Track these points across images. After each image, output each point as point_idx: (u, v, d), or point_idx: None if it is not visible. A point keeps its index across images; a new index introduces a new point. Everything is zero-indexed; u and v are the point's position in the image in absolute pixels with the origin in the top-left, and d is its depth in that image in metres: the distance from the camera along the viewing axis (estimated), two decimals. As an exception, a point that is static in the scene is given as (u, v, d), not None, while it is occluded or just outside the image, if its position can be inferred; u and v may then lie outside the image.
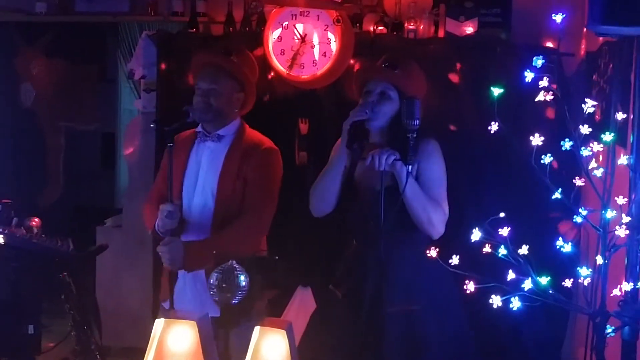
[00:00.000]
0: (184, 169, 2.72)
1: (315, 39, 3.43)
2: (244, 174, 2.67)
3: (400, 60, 2.61)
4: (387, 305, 2.38)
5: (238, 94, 2.76)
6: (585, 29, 3.51)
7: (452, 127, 3.50)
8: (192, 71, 2.83)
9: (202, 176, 2.70)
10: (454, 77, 3.59)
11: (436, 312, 2.52)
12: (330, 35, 3.40)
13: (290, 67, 3.47)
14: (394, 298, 2.44)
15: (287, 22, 3.46)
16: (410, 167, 2.34)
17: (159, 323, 2.04)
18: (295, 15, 3.45)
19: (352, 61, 3.52)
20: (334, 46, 3.39)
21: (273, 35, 3.48)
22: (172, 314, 2.13)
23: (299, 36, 3.45)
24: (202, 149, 2.74)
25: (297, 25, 3.46)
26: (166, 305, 2.72)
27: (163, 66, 3.90)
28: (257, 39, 3.58)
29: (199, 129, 2.76)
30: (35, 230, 2.95)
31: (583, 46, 3.61)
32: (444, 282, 2.51)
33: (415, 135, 2.32)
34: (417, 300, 2.50)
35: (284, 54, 3.48)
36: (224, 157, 2.69)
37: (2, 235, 2.84)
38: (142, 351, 2.06)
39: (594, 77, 3.25)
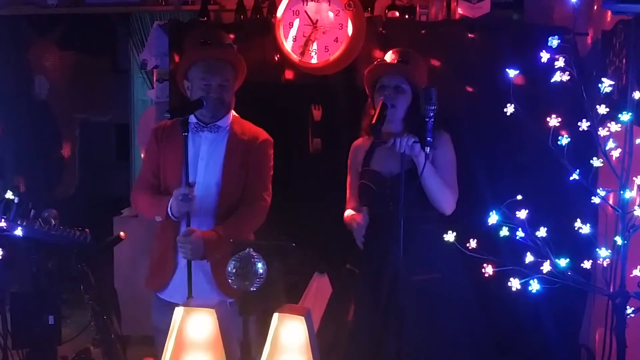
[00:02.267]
0: (181, 159, 2.67)
1: (327, 25, 3.42)
2: (246, 165, 2.71)
3: (410, 55, 2.79)
4: (410, 274, 2.57)
5: (235, 82, 2.79)
6: (595, 8, 3.46)
7: (467, 110, 3.48)
8: (187, 65, 2.73)
9: (202, 166, 2.71)
10: (467, 59, 3.56)
11: (452, 285, 2.72)
12: (342, 21, 3.38)
13: (302, 53, 3.46)
14: (416, 268, 2.63)
15: (298, 8, 3.45)
16: (428, 149, 2.54)
17: (179, 311, 2.06)
18: (307, 0, 3.43)
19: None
20: (345, 31, 3.37)
21: (284, 22, 3.47)
22: (191, 302, 2.14)
23: (310, 22, 3.43)
24: (197, 140, 2.73)
25: (308, 11, 3.44)
26: (162, 295, 2.75)
27: (175, 55, 3.91)
28: (269, 26, 3.57)
29: (192, 119, 2.73)
30: (53, 222, 2.96)
31: (598, 25, 3.56)
32: (459, 258, 2.59)
33: (432, 120, 2.50)
34: (436, 270, 2.70)
35: (295, 40, 3.47)
36: (224, 147, 2.72)
37: (20, 228, 2.86)
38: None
39: (609, 56, 3.21)
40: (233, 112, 2.82)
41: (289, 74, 3.70)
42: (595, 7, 3.47)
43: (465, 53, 3.55)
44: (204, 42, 2.72)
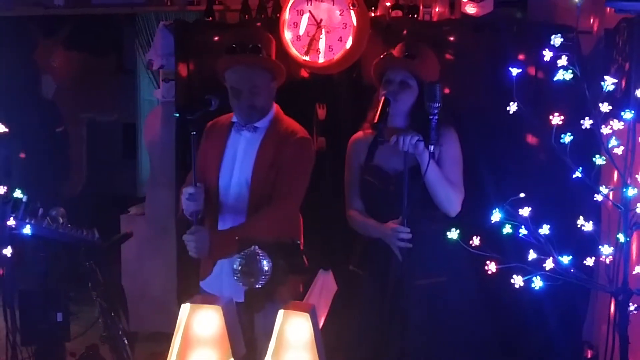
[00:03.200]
0: (220, 157, 2.73)
1: (331, 24, 3.43)
2: (278, 162, 2.67)
3: (418, 49, 2.71)
4: (414, 278, 2.52)
5: (272, 83, 2.74)
6: (598, 6, 3.47)
7: (470, 109, 3.49)
8: (221, 70, 2.71)
9: (238, 165, 2.71)
10: (470, 58, 3.57)
11: (457, 286, 2.66)
12: (346, 20, 3.40)
13: (307, 52, 3.48)
14: (420, 272, 2.57)
15: (302, 8, 3.47)
16: (432, 147, 2.46)
17: (185, 308, 2.08)
18: (311, 0, 3.45)
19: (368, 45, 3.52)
20: (349, 31, 3.39)
21: (289, 22, 3.48)
22: (197, 298, 2.17)
23: (314, 22, 3.45)
24: (237, 139, 2.74)
25: (312, 11, 3.46)
26: (204, 284, 2.78)
27: (181, 55, 3.93)
28: (273, 25, 3.58)
29: (234, 118, 2.75)
30: (61, 220, 2.99)
31: (601, 23, 3.57)
32: (462, 257, 2.57)
33: (437, 118, 2.42)
34: (441, 273, 2.64)
35: (300, 39, 3.48)
36: (258, 146, 2.69)
37: (29, 226, 2.89)
38: (169, 336, 2.10)
39: (612, 54, 3.21)
40: (277, 109, 2.78)
41: (293, 73, 3.72)
42: (598, 6, 3.48)
43: (468, 52, 3.56)
44: (229, 48, 2.67)
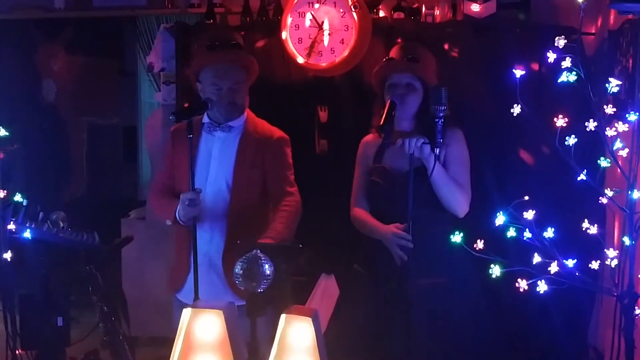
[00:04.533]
0: (193, 160, 2.68)
1: (333, 26, 3.42)
2: (259, 163, 2.69)
3: (419, 52, 2.72)
4: (416, 278, 2.50)
5: (248, 80, 2.76)
6: (602, 8, 3.45)
7: (473, 111, 3.48)
8: (197, 68, 2.72)
9: (215, 166, 2.71)
10: (473, 60, 3.56)
11: (459, 288, 2.66)
12: (348, 22, 3.39)
13: (308, 55, 3.47)
14: (422, 272, 2.57)
15: (304, 10, 3.45)
16: (437, 150, 2.47)
17: (186, 313, 2.07)
18: (313, 2, 3.44)
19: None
20: (351, 33, 3.38)
21: (290, 24, 3.47)
22: (199, 303, 2.15)
23: (316, 24, 3.44)
24: (210, 140, 2.73)
25: (314, 13, 3.45)
26: (179, 296, 2.77)
27: (182, 58, 3.92)
28: (275, 27, 3.57)
29: (205, 119, 2.74)
30: (61, 224, 2.98)
31: (604, 25, 3.55)
32: (466, 260, 2.55)
33: (442, 121, 2.43)
34: (443, 274, 2.64)
35: (301, 42, 3.47)
36: (236, 147, 2.70)
37: (29, 230, 2.88)
38: (170, 340, 2.09)
39: (616, 56, 3.20)
40: (248, 111, 2.79)
41: (295, 76, 3.70)
42: (602, 7, 3.46)
43: (471, 54, 3.55)
44: (211, 45, 2.69)
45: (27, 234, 2.87)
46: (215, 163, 2.71)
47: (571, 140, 2.17)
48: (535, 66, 2.85)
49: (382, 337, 2.67)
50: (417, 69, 2.67)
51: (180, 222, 2.64)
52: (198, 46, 2.79)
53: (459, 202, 2.63)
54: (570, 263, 2.22)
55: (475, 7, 3.58)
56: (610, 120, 2.20)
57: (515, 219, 2.23)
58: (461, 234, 2.30)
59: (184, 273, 2.73)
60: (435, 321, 2.64)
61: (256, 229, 2.55)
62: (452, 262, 2.62)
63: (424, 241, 2.53)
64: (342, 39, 3.40)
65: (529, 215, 2.23)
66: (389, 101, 2.60)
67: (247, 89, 2.77)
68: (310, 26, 3.45)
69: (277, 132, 2.77)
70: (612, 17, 3.27)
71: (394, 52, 2.76)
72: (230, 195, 2.68)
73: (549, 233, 2.25)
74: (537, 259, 2.23)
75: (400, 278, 2.57)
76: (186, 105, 3.27)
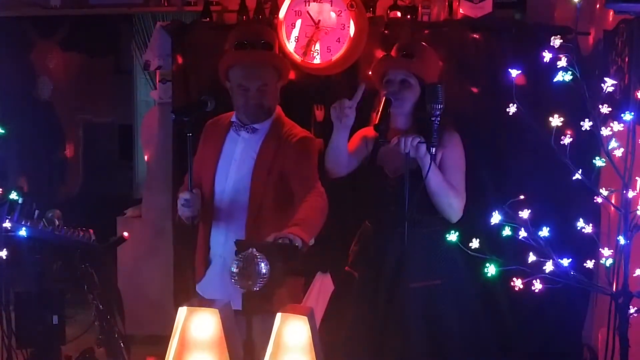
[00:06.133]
0: (217, 157, 2.65)
1: (329, 25, 3.42)
2: (279, 167, 2.58)
3: (416, 48, 2.71)
4: (409, 281, 2.51)
5: (279, 82, 2.67)
6: (597, 8, 3.47)
7: (469, 110, 3.48)
8: (225, 67, 2.62)
9: (235, 167, 2.64)
10: (468, 60, 3.56)
11: (453, 289, 2.64)
12: (344, 21, 3.38)
13: (305, 53, 3.46)
14: (415, 274, 2.56)
15: (300, 9, 3.45)
16: (433, 149, 2.43)
17: (182, 311, 2.06)
18: (309, 1, 3.44)
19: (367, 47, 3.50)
20: (348, 32, 3.38)
21: (286, 23, 3.47)
22: (194, 302, 2.15)
23: (312, 23, 3.43)
24: (235, 139, 2.66)
25: (310, 12, 3.44)
26: (198, 288, 2.73)
27: (178, 56, 3.92)
28: (271, 26, 3.57)
29: (233, 118, 2.68)
30: (56, 222, 2.96)
31: (600, 25, 3.56)
32: (460, 261, 2.55)
33: (438, 120, 2.40)
34: (437, 276, 2.61)
35: (298, 41, 3.47)
36: (257, 151, 2.61)
37: (25, 228, 2.87)
38: (165, 339, 2.08)
39: (612, 55, 3.21)
40: (278, 112, 2.70)
41: (291, 75, 3.70)
42: (597, 7, 3.47)
43: (467, 53, 3.55)
44: (239, 43, 2.59)
45: (23, 232, 2.86)
46: (236, 165, 2.63)
47: (566, 140, 2.18)
48: (531, 66, 2.85)
49: (374, 340, 2.65)
50: (412, 65, 2.64)
51: (184, 220, 2.61)
52: (228, 43, 2.67)
53: (453, 206, 2.59)
54: (565, 262, 2.23)
55: (468, 9, 3.59)
56: (605, 120, 2.21)
57: (511, 218, 2.24)
58: (456, 233, 2.30)
59: (203, 266, 2.69)
60: (428, 322, 2.62)
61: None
62: (445, 265, 2.61)
63: (417, 243, 2.52)
64: (339, 38, 3.40)
65: (524, 214, 2.23)
66: (383, 98, 2.57)
67: (278, 91, 2.67)
68: (306, 25, 3.45)
69: (301, 133, 2.65)
70: (608, 16, 3.28)
71: (393, 49, 2.75)
72: (248, 197, 2.59)
73: (544, 232, 2.26)
74: (532, 258, 2.24)
75: (392, 280, 2.53)
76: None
